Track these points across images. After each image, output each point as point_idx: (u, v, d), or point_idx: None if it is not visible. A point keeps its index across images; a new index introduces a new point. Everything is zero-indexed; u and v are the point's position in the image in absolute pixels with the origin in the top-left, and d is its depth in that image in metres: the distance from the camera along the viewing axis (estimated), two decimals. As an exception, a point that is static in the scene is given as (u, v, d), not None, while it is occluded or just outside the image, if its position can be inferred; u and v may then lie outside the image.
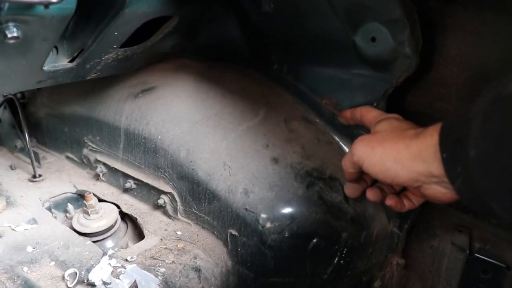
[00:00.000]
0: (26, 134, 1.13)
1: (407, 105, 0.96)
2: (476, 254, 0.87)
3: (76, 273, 0.76)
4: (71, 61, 0.80)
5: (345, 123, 0.90)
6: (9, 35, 0.58)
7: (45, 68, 0.76)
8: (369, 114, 0.82)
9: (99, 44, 0.77)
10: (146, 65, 1.00)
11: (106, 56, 0.83)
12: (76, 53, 0.79)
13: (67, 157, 1.20)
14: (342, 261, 0.82)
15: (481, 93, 0.50)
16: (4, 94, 1.26)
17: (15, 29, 0.58)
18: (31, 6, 0.56)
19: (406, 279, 1.03)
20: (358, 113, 0.85)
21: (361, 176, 0.80)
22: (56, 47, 0.78)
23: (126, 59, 0.88)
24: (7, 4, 0.54)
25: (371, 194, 0.78)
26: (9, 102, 1.27)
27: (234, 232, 0.82)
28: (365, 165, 0.70)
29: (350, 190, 0.82)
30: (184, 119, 0.89)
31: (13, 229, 0.90)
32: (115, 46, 0.80)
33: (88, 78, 0.89)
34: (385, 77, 0.83)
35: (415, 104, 0.95)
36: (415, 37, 0.76)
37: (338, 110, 0.91)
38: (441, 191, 0.62)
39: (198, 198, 0.86)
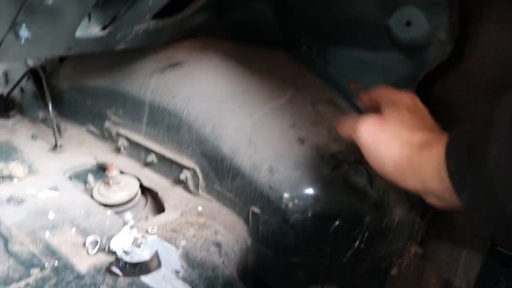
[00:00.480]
0: (50, 105, 1.14)
1: (435, 94, 0.95)
2: (499, 248, 0.86)
3: (97, 241, 0.76)
4: (102, 29, 0.80)
5: (362, 106, 0.86)
6: (47, -4, 0.58)
7: (77, 35, 0.76)
8: (387, 94, 0.76)
9: (132, 13, 0.76)
10: (174, 39, 1.00)
11: (138, 27, 0.83)
12: (108, 22, 0.79)
13: (88, 130, 1.20)
14: (362, 245, 0.82)
15: (503, 95, 0.47)
16: (29, 64, 1.27)
17: (53, -10, 0.58)
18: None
19: (422, 269, 1.02)
20: (374, 94, 0.79)
21: None
22: (88, 15, 0.78)
23: (156, 31, 0.88)
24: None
25: None
26: (33, 73, 1.28)
27: (256, 210, 0.81)
28: (364, 153, 0.67)
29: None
30: (211, 94, 0.89)
31: (35, 196, 0.91)
32: (147, 17, 0.80)
33: (117, 48, 0.89)
34: (416, 62, 0.82)
35: (443, 93, 0.94)
36: (452, 22, 0.75)
37: (366, 95, 0.90)
38: (437, 202, 0.59)
39: (221, 175, 0.86)
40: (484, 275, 0.89)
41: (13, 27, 0.66)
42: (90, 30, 0.79)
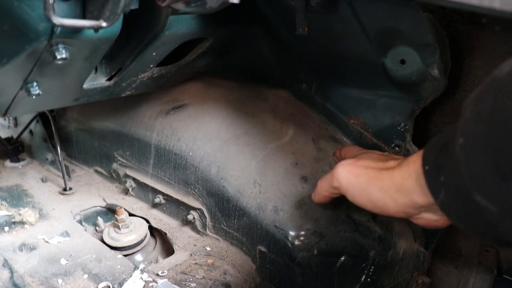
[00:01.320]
0: (58, 147, 1.16)
1: (433, 125, 0.97)
2: (504, 276, 0.87)
3: (109, 287, 0.78)
4: (108, 79, 0.83)
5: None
6: (58, 57, 0.61)
7: (85, 86, 0.79)
8: (350, 151, 0.83)
9: (137, 64, 0.79)
10: (178, 83, 1.03)
11: (142, 75, 0.86)
12: (114, 72, 0.82)
13: (96, 171, 1.23)
14: (369, 279, 0.83)
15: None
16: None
17: (64, 51, 0.61)
18: (81, 29, 0.59)
19: (431, 298, 1.02)
20: (343, 152, 0.85)
21: None
22: (95, 67, 0.81)
23: (160, 77, 0.91)
24: (59, 28, 0.56)
25: None
26: (41, 116, 1.31)
27: (263, 249, 0.83)
28: (349, 194, 0.67)
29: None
30: (215, 137, 0.92)
31: (47, 241, 0.93)
32: (151, 66, 0.83)
33: (123, 95, 0.92)
34: (412, 98, 0.84)
35: (441, 124, 0.96)
36: (444, 60, 0.78)
37: (366, 130, 0.92)
38: (432, 218, 0.60)
39: (228, 215, 0.88)
40: (492, 304, 0.90)
41: (25, 86, 0.69)
42: (97, 81, 0.82)
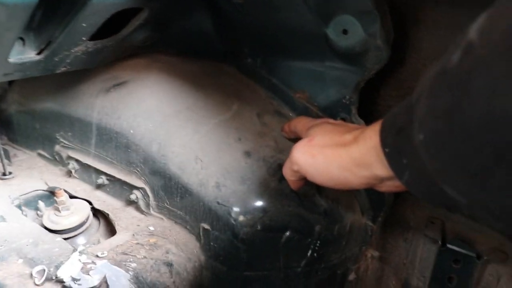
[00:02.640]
0: (-4, 131, 1.11)
1: (380, 99, 0.97)
2: (448, 245, 0.88)
3: (44, 270, 0.74)
4: (38, 53, 0.79)
5: (287, 137, 0.89)
6: (-30, 24, 0.56)
7: (11, 60, 0.75)
8: (300, 123, 0.81)
9: (67, 36, 0.75)
10: (117, 59, 0.99)
11: (75, 49, 0.81)
12: (44, 45, 0.78)
13: (39, 154, 1.18)
14: (315, 254, 0.83)
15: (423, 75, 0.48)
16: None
17: (-24, 17, 0.56)
18: (-9, -7, 0.54)
19: (381, 271, 1.03)
20: (293, 124, 0.84)
21: None
22: (22, 39, 0.76)
23: (97, 52, 0.87)
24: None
25: None
26: (-21, 99, 1.25)
27: (206, 226, 0.81)
28: (309, 175, 0.67)
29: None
30: (156, 113, 0.89)
31: (-20, 228, 0.88)
32: (84, 38, 0.79)
33: (58, 71, 0.87)
34: (357, 69, 0.83)
35: (388, 98, 0.96)
36: (386, 28, 0.77)
37: (312, 104, 0.91)
38: (394, 185, 0.59)
39: (171, 193, 0.85)
40: (438, 273, 0.91)
41: None
42: (25, 54, 0.77)
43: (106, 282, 0.71)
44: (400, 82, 0.93)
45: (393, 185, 0.60)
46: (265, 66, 0.95)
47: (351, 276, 0.95)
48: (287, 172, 0.74)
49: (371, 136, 0.56)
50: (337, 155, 0.62)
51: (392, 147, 0.52)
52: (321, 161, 0.64)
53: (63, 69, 0.88)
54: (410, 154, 0.49)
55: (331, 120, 0.78)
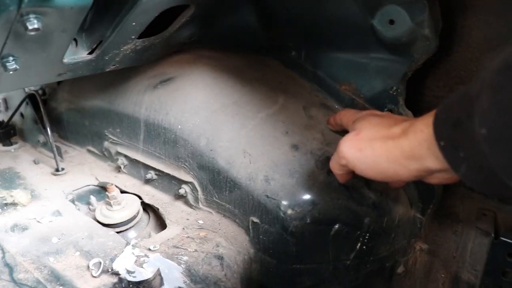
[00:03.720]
0: (48, 129, 1.15)
1: (427, 90, 0.95)
2: (501, 238, 0.86)
3: (100, 263, 0.77)
4: (90, 53, 0.81)
5: (333, 130, 0.88)
6: (30, 27, 0.58)
7: (65, 60, 0.77)
8: (345, 116, 0.80)
9: (117, 35, 0.77)
10: (164, 55, 1.01)
11: (125, 47, 0.83)
12: (95, 45, 0.80)
13: (89, 151, 1.21)
14: (364, 247, 0.82)
15: (482, 68, 0.47)
16: (26, 89, 1.28)
17: (35, 21, 0.59)
18: (50, -4, 0.56)
19: (430, 264, 1.02)
20: (338, 117, 0.83)
21: None
22: (75, 40, 0.79)
23: (144, 49, 0.88)
24: (27, -5, 0.54)
25: None
26: (31, 98, 1.29)
27: (255, 220, 0.82)
28: (357, 169, 0.67)
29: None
30: (203, 108, 0.90)
31: (39, 221, 0.92)
32: (133, 37, 0.81)
33: (107, 70, 0.90)
34: (404, 60, 0.82)
35: (435, 88, 0.94)
36: (435, 18, 0.75)
37: (358, 95, 0.90)
38: (445, 177, 0.58)
39: (219, 187, 0.86)
40: (491, 266, 0.89)
41: (0, 61, 0.67)
42: (78, 55, 0.80)
43: (160, 274, 0.72)
44: (447, 72, 0.91)
45: (444, 177, 0.59)
46: (309, 59, 0.95)
47: (400, 269, 0.94)
48: (334, 166, 0.74)
49: (422, 129, 0.55)
50: (385, 148, 0.61)
51: (448, 141, 0.51)
52: (370, 154, 0.64)
53: (112, 67, 0.90)
54: (469, 148, 0.48)
55: (377, 112, 0.77)
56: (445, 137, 0.51)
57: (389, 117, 0.71)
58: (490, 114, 0.42)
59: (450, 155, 0.51)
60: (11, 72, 0.69)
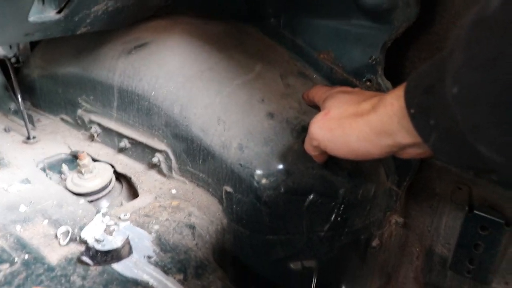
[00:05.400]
0: (19, 96, 1.11)
1: (408, 62, 0.93)
2: (475, 211, 0.86)
3: (68, 231, 0.75)
4: (58, 12, 0.77)
5: (309, 104, 0.86)
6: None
7: (31, 19, 0.74)
8: (317, 94, 0.79)
9: (87, -6, 0.74)
10: (138, 20, 0.97)
11: (95, 8, 0.80)
12: (63, 4, 0.76)
13: (62, 119, 1.18)
14: (339, 218, 0.81)
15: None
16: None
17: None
18: None
19: (405, 238, 1.02)
20: (311, 94, 0.82)
21: None
22: (42, -3, 0.75)
23: (117, 12, 0.85)
24: None
25: None
26: (1, 64, 1.25)
27: (229, 189, 0.80)
28: (328, 149, 0.66)
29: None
30: (177, 74, 0.87)
31: (6, 190, 0.89)
32: (103, -3, 0.78)
33: (79, 32, 0.86)
34: (384, 28, 0.80)
35: (416, 60, 0.92)
36: (416, -16, 0.73)
37: (336, 65, 0.88)
38: (418, 151, 0.56)
39: (193, 155, 0.84)
40: (464, 240, 0.89)
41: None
42: (44, 13, 0.76)
43: (129, 243, 0.71)
44: (429, 43, 0.89)
45: (415, 152, 0.57)
46: (288, 26, 0.92)
47: (375, 242, 0.93)
48: (308, 148, 0.73)
49: (392, 102, 0.53)
50: (355, 127, 0.60)
51: (418, 107, 0.49)
52: (339, 134, 0.62)
53: (83, 29, 0.86)
54: (440, 113, 0.46)
55: (348, 89, 0.75)
56: (415, 104, 0.49)
57: (359, 94, 0.69)
58: (463, 71, 0.40)
59: (420, 124, 0.49)
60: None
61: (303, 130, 0.80)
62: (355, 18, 0.81)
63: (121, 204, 0.90)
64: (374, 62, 0.83)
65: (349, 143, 0.61)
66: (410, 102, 0.50)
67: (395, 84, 0.84)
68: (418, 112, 0.49)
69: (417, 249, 1.01)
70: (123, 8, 0.85)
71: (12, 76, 1.12)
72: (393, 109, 0.53)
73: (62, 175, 1.00)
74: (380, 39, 0.81)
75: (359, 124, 0.59)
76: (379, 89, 0.84)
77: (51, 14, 0.77)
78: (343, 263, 0.90)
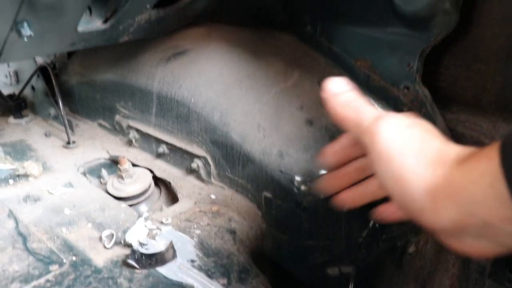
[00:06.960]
0: (60, 101, 1.14)
1: (443, 68, 0.93)
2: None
3: (113, 234, 0.77)
4: (104, 22, 0.80)
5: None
6: (45, -8, 0.58)
7: (79, 29, 0.76)
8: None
9: (132, 4, 0.76)
10: (178, 28, 0.99)
11: (139, 17, 0.82)
12: (110, 14, 0.79)
13: (100, 125, 1.21)
14: (377, 225, 0.81)
15: None
16: (38, 58, 1.27)
17: (50, -14, 0.58)
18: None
19: (440, 245, 1.01)
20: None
21: None
22: (89, 8, 0.78)
23: (159, 21, 0.87)
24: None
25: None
26: (42, 71, 1.29)
27: (268, 195, 0.81)
28: (377, 163, 0.49)
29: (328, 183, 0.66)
30: (217, 82, 0.89)
31: (51, 193, 0.92)
32: (148, 6, 0.80)
33: (121, 41, 0.89)
34: (422, 35, 0.80)
35: (451, 67, 0.92)
36: (456, -9, 0.73)
37: (373, 72, 0.88)
38: (479, 246, 0.43)
39: (232, 161, 0.86)
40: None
41: (15, 26, 0.66)
42: (92, 24, 0.79)
43: (172, 247, 0.72)
44: (465, 50, 0.89)
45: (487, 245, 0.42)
46: (325, 33, 0.93)
47: (411, 249, 0.93)
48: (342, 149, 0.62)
49: (486, 161, 0.39)
50: (431, 170, 0.44)
51: None
52: (410, 165, 0.45)
53: (126, 38, 0.89)
54: None
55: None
56: None
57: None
58: None
59: None
60: (25, 39, 0.68)
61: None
62: (392, 26, 0.81)
63: (161, 209, 0.92)
64: (411, 70, 0.83)
65: (411, 186, 0.45)
66: (508, 170, 0.37)
67: (431, 92, 0.84)
68: None
69: (453, 256, 1.01)
70: (164, 17, 0.87)
71: (54, 82, 1.16)
72: (487, 168, 0.39)
73: (102, 180, 1.02)
74: (418, 46, 0.81)
75: (437, 173, 0.43)
76: (417, 97, 0.84)
77: (97, 24, 0.79)
78: (379, 270, 0.90)
